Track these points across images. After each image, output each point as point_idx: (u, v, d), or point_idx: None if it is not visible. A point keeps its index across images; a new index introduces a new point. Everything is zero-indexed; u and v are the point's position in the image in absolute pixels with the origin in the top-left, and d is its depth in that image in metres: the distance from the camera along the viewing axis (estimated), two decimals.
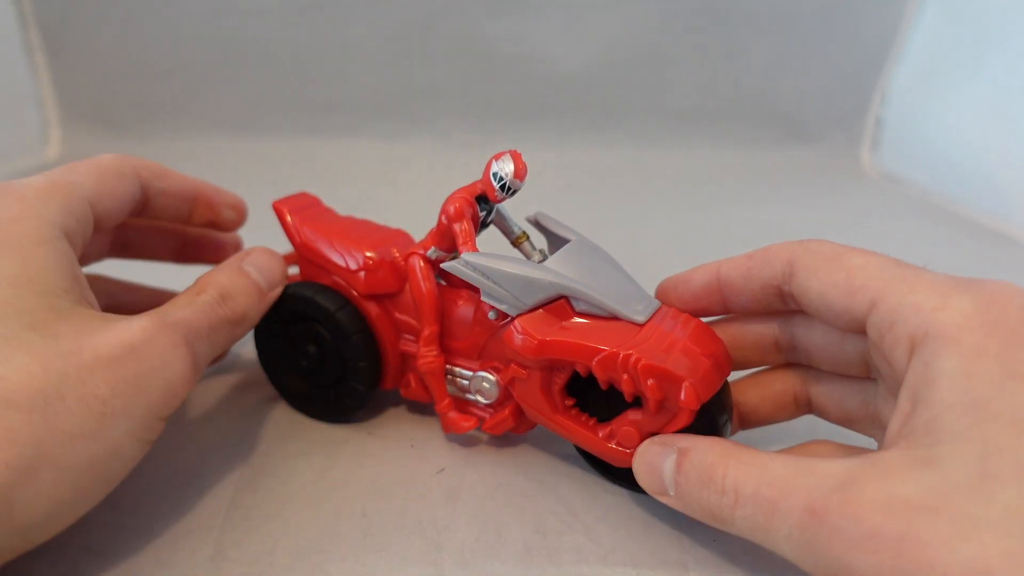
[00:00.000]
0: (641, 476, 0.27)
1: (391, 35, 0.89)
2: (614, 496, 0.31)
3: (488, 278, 0.29)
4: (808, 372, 0.31)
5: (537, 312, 0.29)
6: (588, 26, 0.90)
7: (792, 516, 0.21)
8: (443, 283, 0.34)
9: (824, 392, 0.30)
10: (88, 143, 0.91)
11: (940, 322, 0.22)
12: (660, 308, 0.30)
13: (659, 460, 0.26)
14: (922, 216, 0.77)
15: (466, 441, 0.35)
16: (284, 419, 0.37)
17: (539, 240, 0.34)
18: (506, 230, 0.33)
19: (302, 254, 0.35)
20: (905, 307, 0.23)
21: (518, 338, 0.29)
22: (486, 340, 0.32)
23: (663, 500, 0.26)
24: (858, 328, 0.25)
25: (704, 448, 0.25)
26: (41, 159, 0.89)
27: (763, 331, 0.31)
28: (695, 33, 0.90)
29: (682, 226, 0.71)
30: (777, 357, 0.31)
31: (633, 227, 0.70)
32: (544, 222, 0.33)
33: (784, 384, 0.31)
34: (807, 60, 0.92)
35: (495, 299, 0.30)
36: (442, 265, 0.31)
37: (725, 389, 0.29)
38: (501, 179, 0.29)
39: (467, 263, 0.29)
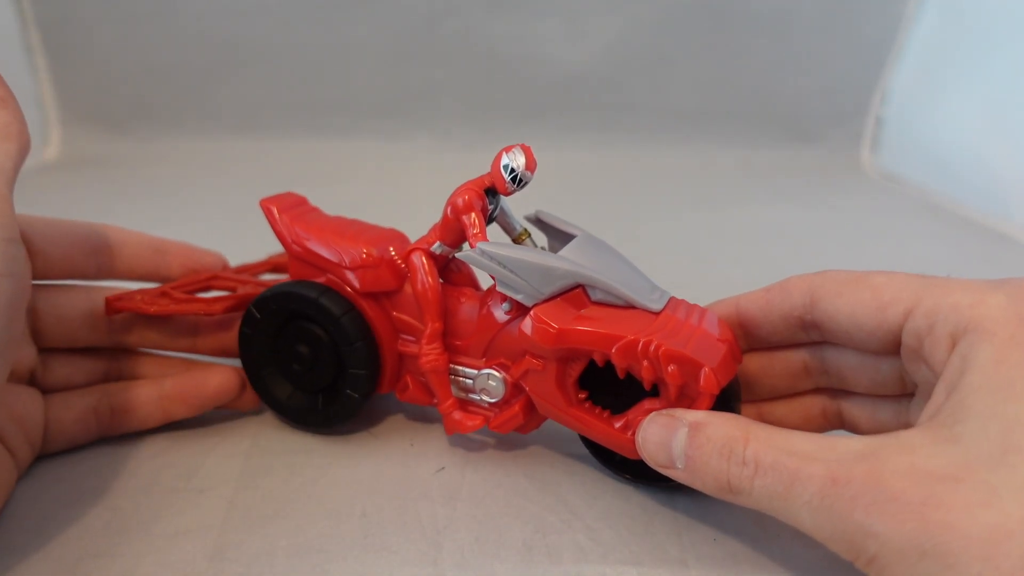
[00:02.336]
0: (647, 449, 0.27)
1: (391, 35, 0.89)
2: (614, 495, 0.31)
3: (505, 267, 0.29)
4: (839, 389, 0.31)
5: (554, 301, 0.29)
6: (588, 26, 0.90)
7: (813, 483, 0.22)
8: (441, 282, 0.33)
9: (856, 405, 0.30)
10: (88, 143, 0.91)
11: (977, 317, 0.23)
12: (672, 298, 0.30)
13: (667, 433, 0.26)
14: (922, 216, 0.77)
15: (466, 440, 0.35)
16: (284, 418, 0.37)
17: (539, 239, 0.34)
18: (508, 227, 0.33)
19: (293, 253, 0.34)
20: (943, 308, 0.24)
21: (536, 328, 0.29)
22: (492, 337, 0.32)
23: (668, 472, 0.26)
24: (890, 342, 0.26)
25: (720, 422, 0.25)
26: (41, 159, 0.89)
27: (791, 357, 0.31)
28: (695, 33, 0.90)
29: (682, 226, 0.71)
30: (807, 383, 0.31)
31: (633, 227, 0.70)
32: (545, 219, 0.33)
33: (813, 399, 0.32)
34: (807, 60, 0.92)
35: (511, 289, 0.29)
36: (458, 255, 0.30)
37: (735, 377, 0.29)
38: (512, 171, 0.29)
39: (483, 252, 0.29)
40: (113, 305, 0.34)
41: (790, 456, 0.23)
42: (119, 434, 0.34)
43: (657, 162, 0.92)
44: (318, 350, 0.34)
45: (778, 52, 0.91)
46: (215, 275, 0.38)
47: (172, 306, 0.34)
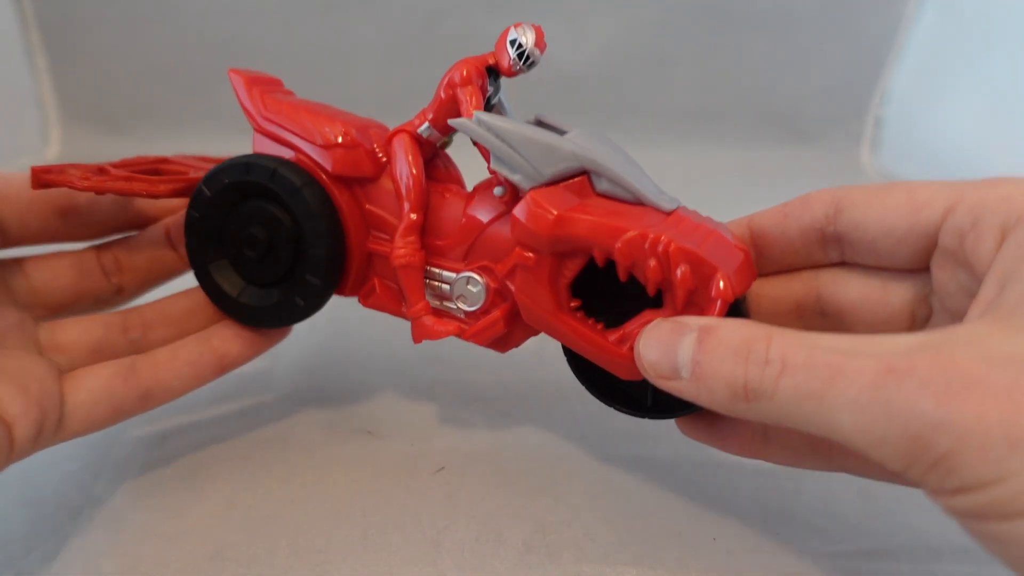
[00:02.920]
0: (647, 357, 0.24)
1: (391, 35, 0.89)
2: (614, 495, 0.31)
3: (503, 141, 0.26)
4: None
5: (554, 187, 0.26)
6: (588, 26, 0.90)
7: (863, 377, 0.18)
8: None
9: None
10: (88, 143, 0.91)
11: None
12: (682, 205, 0.27)
13: (673, 339, 0.23)
14: None
15: (466, 440, 0.35)
16: (283, 419, 0.37)
17: None
18: None
19: (260, 128, 0.31)
20: (991, 200, 0.22)
21: (531, 212, 0.25)
22: (476, 236, 0.28)
23: (669, 385, 0.23)
24: (921, 249, 0.24)
25: (735, 325, 0.22)
26: (41, 159, 0.89)
27: (782, 294, 0.28)
28: (695, 33, 0.90)
29: None
30: (797, 325, 0.28)
31: None
32: (549, 121, 0.30)
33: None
34: (807, 60, 0.92)
35: (508, 167, 0.26)
36: (450, 121, 0.27)
37: (745, 300, 0.26)
38: (520, 47, 0.27)
39: (481, 122, 0.26)
40: (41, 178, 0.29)
41: (829, 352, 0.19)
42: (154, 405, 0.31)
43: (657, 162, 0.91)
44: (275, 232, 0.30)
45: (778, 52, 0.91)
46: (164, 159, 0.34)
47: (109, 183, 0.30)
